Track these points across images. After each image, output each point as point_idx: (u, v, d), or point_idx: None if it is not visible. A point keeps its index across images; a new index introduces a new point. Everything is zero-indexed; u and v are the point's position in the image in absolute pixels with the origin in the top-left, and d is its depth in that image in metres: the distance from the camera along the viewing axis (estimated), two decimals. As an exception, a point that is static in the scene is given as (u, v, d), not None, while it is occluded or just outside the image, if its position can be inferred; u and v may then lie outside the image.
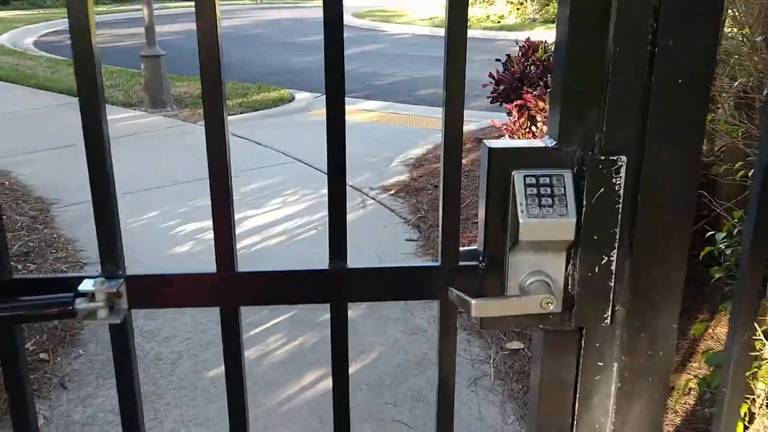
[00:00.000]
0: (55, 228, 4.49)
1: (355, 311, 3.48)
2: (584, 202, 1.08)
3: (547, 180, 1.09)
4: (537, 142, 1.11)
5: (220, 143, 1.04)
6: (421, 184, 5.27)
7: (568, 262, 1.15)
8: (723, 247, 2.18)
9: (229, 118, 5.96)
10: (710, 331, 3.00)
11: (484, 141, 1.11)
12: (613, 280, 1.05)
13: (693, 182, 1.14)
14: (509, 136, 4.66)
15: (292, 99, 8.48)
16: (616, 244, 1.11)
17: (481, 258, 1.15)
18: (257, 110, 7.96)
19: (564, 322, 1.07)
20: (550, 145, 1.11)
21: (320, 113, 7.94)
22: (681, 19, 1.04)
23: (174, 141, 6.77)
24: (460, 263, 1.17)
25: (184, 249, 4.30)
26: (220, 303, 1.14)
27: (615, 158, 1.07)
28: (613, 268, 1.08)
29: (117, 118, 7.67)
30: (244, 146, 6.58)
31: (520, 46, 5.61)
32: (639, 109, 1.09)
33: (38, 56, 12.20)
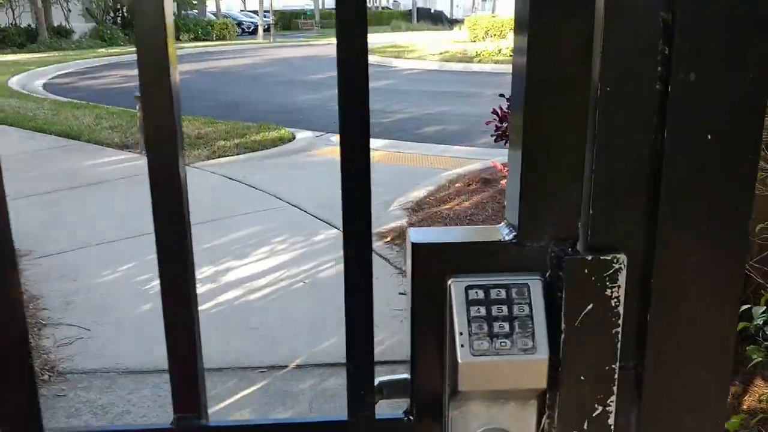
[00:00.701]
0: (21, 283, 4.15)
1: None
2: (563, 326, 0.67)
3: (503, 293, 0.68)
4: (487, 232, 0.72)
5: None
6: (419, 229, 4.89)
7: (541, 414, 0.73)
8: (761, 322, 1.77)
9: (226, 159, 5.61)
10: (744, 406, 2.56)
11: (410, 229, 0.73)
12: (610, 440, 0.73)
13: (736, 288, 0.75)
14: (513, 178, 4.27)
15: (292, 138, 8.20)
16: (615, 387, 0.70)
17: (408, 407, 0.73)
18: (255, 151, 7.68)
19: (536, 502, 0.70)
20: (507, 238, 0.70)
21: (321, 153, 7.63)
22: (708, 38, 0.63)
23: (165, 184, 6.47)
24: (378, 414, 0.76)
25: (156, 306, 3.93)
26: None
27: (609, 258, 0.67)
28: (610, 421, 0.70)
29: (109, 161, 7.42)
30: (237, 189, 6.27)
31: (525, 81, 5.25)
32: (645, 181, 0.68)
33: (43, 98, 12.11)
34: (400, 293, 3.97)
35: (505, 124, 4.99)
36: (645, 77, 0.66)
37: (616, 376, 0.72)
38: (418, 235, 0.72)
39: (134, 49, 0.69)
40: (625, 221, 0.70)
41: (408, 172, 6.81)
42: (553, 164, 0.69)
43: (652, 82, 0.66)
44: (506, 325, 0.68)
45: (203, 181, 6.61)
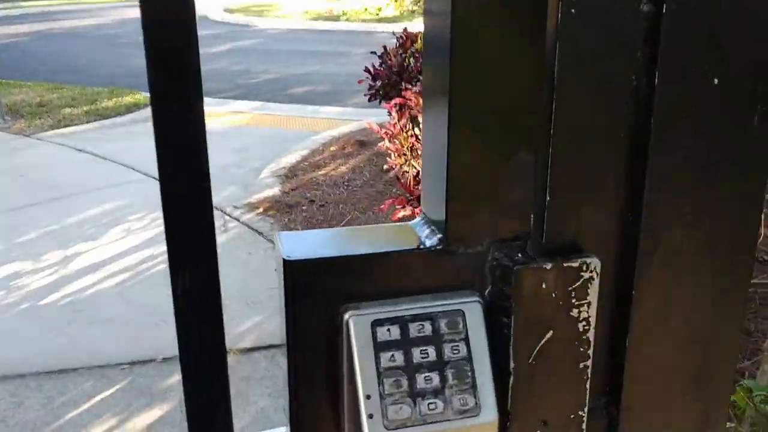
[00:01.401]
0: None
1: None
2: (511, 365, 0.39)
3: (428, 327, 0.41)
4: (398, 236, 0.48)
5: None
6: (294, 198, 4.60)
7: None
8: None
9: (73, 129, 4.95)
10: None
11: (279, 236, 0.47)
12: None
13: (744, 286, 0.56)
14: (389, 141, 4.08)
15: (149, 104, 7.52)
16: None
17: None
18: (107, 118, 6.97)
19: None
20: (428, 244, 0.42)
21: (182, 118, 7.05)
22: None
23: (0, 159, 5.71)
24: None
25: (-7, 301, 3.41)
26: None
27: (576, 263, 0.44)
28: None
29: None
30: (86, 163, 5.63)
31: (397, 37, 5.05)
32: (625, 148, 0.40)
33: None
34: (276, 269, 3.69)
35: (378, 83, 4.77)
36: (626, -5, 0.44)
37: (584, 425, 0.51)
38: (292, 244, 0.47)
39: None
40: (597, 207, 0.48)
41: (279, 135, 6.44)
42: (495, 130, 0.45)
43: (635, 2, 0.44)
44: (435, 377, 0.45)
45: (45, 153, 5.89)
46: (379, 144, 4.62)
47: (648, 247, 0.49)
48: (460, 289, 0.48)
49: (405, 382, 0.45)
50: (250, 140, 6.18)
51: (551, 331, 0.48)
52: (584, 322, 0.48)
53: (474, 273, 0.48)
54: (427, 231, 0.48)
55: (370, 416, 0.44)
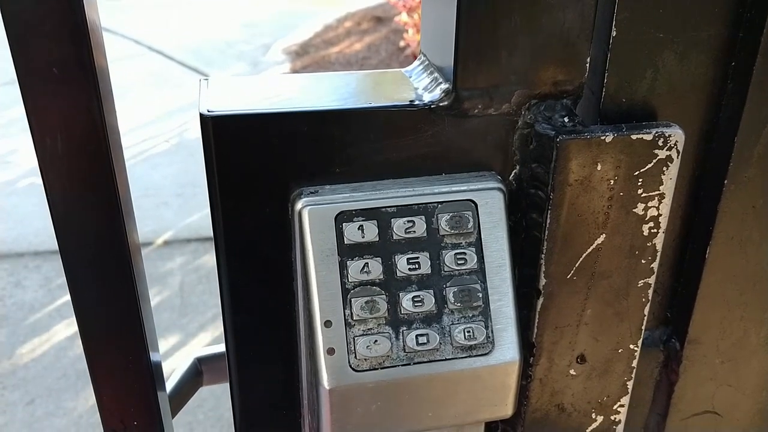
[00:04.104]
0: None
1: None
2: (542, 280, 0.32)
3: (420, 225, 0.22)
4: (380, 87, 0.31)
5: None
6: (303, 77, 4.37)
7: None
8: None
9: None
10: None
11: (205, 82, 0.29)
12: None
13: None
14: (407, 14, 3.79)
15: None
16: (630, 382, 0.26)
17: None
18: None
19: None
20: (428, 100, 0.21)
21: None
22: None
23: None
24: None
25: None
26: None
27: (650, 134, 0.31)
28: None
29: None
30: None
31: None
32: None
33: None
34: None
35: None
36: None
37: (635, 362, 0.37)
38: (220, 93, 0.31)
39: None
40: (686, 49, 0.32)
41: (291, 9, 6.09)
42: None
43: None
44: (428, 298, 0.31)
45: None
46: (396, 18, 4.32)
47: (758, 117, 0.33)
48: (472, 169, 0.32)
49: (383, 305, 0.30)
50: (260, 14, 5.84)
51: (603, 235, 0.33)
52: (652, 224, 0.33)
53: (494, 146, 0.32)
54: (426, 80, 0.32)
55: (330, 351, 0.30)
